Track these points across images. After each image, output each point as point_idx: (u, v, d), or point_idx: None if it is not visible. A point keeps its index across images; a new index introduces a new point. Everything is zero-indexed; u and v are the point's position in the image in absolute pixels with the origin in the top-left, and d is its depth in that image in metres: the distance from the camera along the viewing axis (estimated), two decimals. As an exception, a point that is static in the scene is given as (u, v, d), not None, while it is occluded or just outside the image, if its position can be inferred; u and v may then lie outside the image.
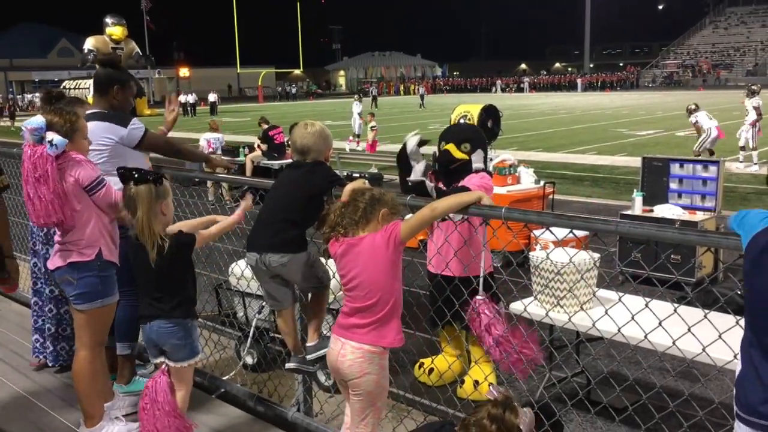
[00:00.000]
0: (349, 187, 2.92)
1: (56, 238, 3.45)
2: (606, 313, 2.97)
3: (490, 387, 2.52)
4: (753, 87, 15.68)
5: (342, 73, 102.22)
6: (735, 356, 2.07)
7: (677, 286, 5.64)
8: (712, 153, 13.75)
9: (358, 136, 20.87)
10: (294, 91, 73.43)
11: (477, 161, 4.43)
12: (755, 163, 14.75)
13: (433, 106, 44.03)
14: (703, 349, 2.53)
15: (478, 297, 3.11)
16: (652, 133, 23.09)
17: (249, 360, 4.80)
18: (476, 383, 4.43)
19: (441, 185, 4.23)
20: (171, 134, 4.45)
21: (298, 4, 65.45)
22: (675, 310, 2.54)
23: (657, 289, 3.14)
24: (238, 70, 68.50)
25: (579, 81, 71.00)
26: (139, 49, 15.08)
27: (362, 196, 2.78)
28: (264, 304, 4.77)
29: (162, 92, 61.69)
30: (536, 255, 4.33)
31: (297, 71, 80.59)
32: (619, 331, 2.96)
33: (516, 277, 3.59)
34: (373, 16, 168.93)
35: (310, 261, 3.25)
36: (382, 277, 2.72)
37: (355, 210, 2.75)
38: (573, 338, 4.49)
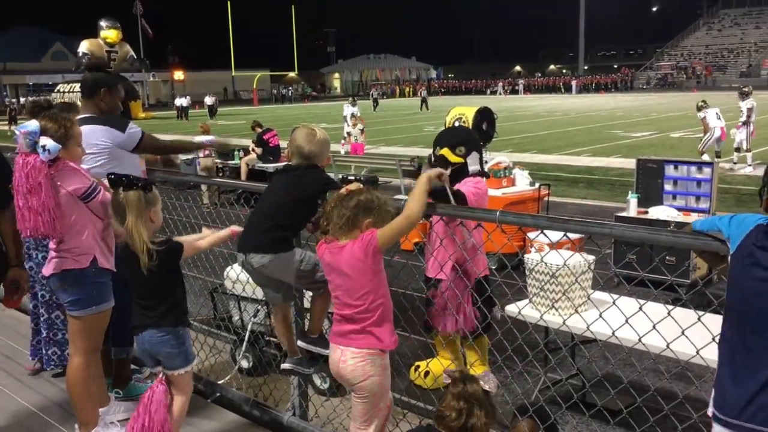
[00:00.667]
0: (349, 187, 2.93)
1: (51, 245, 3.44)
2: (600, 315, 2.98)
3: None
4: (745, 89, 15.78)
5: (337, 75, 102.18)
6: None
7: (672, 288, 5.66)
8: (718, 156, 13.76)
9: (346, 137, 20.47)
10: (289, 93, 73.44)
11: (473, 164, 4.44)
12: (749, 165, 14.80)
13: (430, 107, 44.03)
14: (697, 352, 2.53)
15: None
16: (646, 135, 23.14)
17: (244, 364, 4.79)
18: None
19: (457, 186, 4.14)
20: (165, 136, 4.48)
21: (293, 6, 65.64)
22: (669, 313, 2.55)
23: (652, 291, 3.15)
24: (233, 73, 68.57)
25: (574, 83, 71.08)
26: (133, 53, 15.06)
27: (348, 203, 2.75)
28: (259, 307, 4.77)
29: (156, 97, 61.15)
30: (531, 258, 4.33)
31: (292, 74, 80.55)
32: (613, 333, 2.97)
33: (511, 280, 3.60)
34: (368, 18, 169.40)
35: (299, 260, 3.24)
36: (366, 285, 2.73)
37: (340, 216, 2.75)
38: (568, 341, 4.49)
